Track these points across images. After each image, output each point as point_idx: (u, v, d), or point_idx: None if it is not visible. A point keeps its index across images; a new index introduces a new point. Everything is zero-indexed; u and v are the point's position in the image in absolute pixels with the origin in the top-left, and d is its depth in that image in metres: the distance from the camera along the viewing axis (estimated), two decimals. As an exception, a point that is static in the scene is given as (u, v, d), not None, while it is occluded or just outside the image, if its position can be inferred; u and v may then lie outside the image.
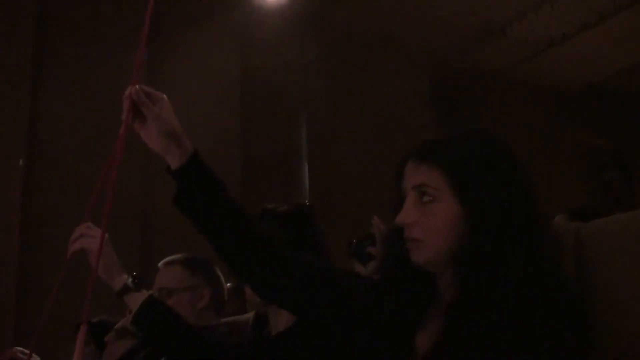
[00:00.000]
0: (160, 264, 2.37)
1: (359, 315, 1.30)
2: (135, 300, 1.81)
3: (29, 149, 5.60)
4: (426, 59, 7.38)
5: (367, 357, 1.24)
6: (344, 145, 6.68)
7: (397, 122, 6.68)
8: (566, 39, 6.98)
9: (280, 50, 6.67)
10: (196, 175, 1.32)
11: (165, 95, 1.35)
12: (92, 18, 5.89)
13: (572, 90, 7.95)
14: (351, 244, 3.10)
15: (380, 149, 6.48)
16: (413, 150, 1.25)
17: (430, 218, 1.19)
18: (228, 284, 3.27)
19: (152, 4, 1.35)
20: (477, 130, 1.26)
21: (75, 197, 5.48)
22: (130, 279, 1.84)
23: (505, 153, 1.22)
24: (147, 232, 5.60)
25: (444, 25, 6.89)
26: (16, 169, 5.44)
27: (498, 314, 1.10)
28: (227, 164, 6.25)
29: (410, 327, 1.23)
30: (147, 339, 1.77)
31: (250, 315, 2.37)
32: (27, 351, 2.42)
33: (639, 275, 1.19)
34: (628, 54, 7.24)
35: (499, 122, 6.51)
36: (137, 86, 1.31)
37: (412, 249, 1.21)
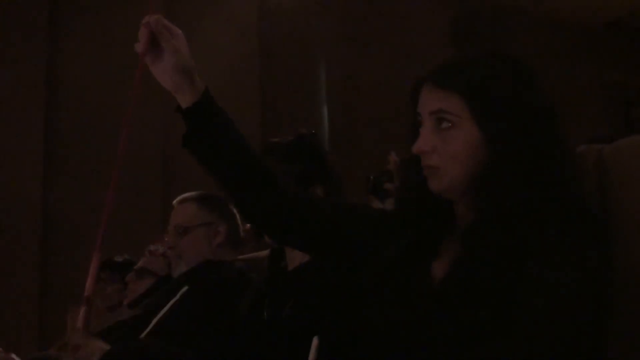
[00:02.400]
0: (175, 202, 2.37)
1: (371, 247, 1.29)
2: None
3: (49, 96, 5.63)
4: (447, -3, 7.22)
5: (383, 286, 1.22)
6: (363, 87, 6.60)
7: (417, 63, 6.55)
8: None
9: (299, -9, 6.57)
10: (207, 113, 1.29)
11: (181, 31, 1.29)
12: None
13: (596, 26, 7.75)
14: (369, 180, 3.08)
15: (401, 90, 6.39)
16: (428, 75, 1.20)
17: (448, 144, 1.15)
18: (248, 225, 3.29)
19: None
20: (495, 52, 1.21)
21: (96, 141, 5.56)
22: None
23: (526, 74, 1.18)
24: (168, 175, 5.63)
25: (465, -38, 6.72)
26: (37, 118, 5.48)
27: (516, 236, 1.08)
28: (246, 108, 6.23)
29: (426, 255, 1.21)
30: None
31: (267, 252, 2.37)
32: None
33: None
34: (655, -11, 7.02)
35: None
36: (157, 16, 1.26)
37: (430, 177, 1.18)
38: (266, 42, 6.42)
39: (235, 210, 2.34)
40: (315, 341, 1.18)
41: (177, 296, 1.87)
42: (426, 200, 1.22)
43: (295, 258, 1.77)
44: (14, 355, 2.49)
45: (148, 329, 1.77)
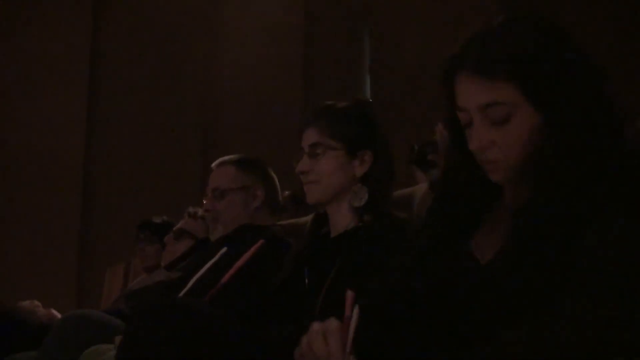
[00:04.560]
0: (213, 165, 2.35)
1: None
2: None
3: (92, 66, 5.70)
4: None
5: (427, 260, 1.18)
6: (407, 54, 6.50)
7: (463, 28, 6.43)
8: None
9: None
10: None
11: None
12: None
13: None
14: (412, 150, 3.02)
15: (445, 57, 6.28)
16: (464, 62, 1.10)
17: (508, 136, 1.08)
18: (286, 192, 3.26)
19: None
20: (530, 20, 1.11)
21: (137, 108, 5.63)
22: None
23: (570, 40, 1.09)
24: (208, 139, 5.67)
25: None
26: (81, 85, 5.56)
27: (575, 211, 1.01)
28: (288, 74, 6.23)
29: (468, 233, 1.16)
30: None
31: (309, 217, 2.34)
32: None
33: None
34: None
35: (572, 24, 6.19)
36: None
37: (491, 170, 1.12)
38: (311, 9, 6.36)
39: (273, 175, 2.30)
40: (356, 309, 1.13)
41: (217, 257, 1.85)
42: (475, 183, 1.17)
43: (338, 224, 1.74)
44: (53, 310, 2.53)
45: (186, 289, 1.75)
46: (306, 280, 1.71)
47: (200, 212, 2.76)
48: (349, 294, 1.12)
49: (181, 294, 1.73)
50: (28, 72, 5.45)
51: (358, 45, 6.66)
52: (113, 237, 4.85)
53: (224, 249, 1.87)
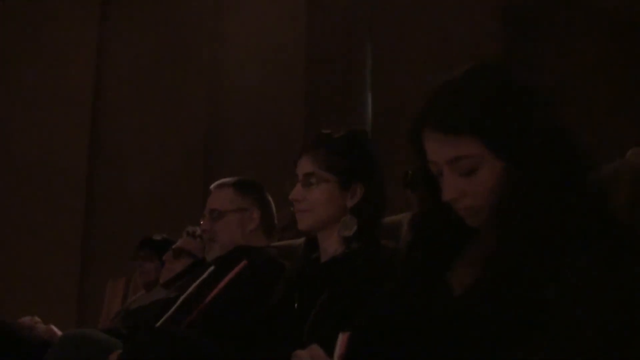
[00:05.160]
0: (212, 186, 2.41)
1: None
2: None
3: (97, 71, 5.75)
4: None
5: (404, 290, 1.25)
6: (409, 74, 6.56)
7: (465, 49, 6.50)
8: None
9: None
10: None
11: None
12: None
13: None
14: (406, 175, 3.07)
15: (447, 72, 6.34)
16: (428, 119, 1.17)
17: (477, 186, 1.15)
18: (291, 208, 3.31)
19: None
20: (489, 73, 1.18)
21: (143, 114, 5.68)
22: None
23: (531, 92, 1.16)
24: (210, 162, 5.71)
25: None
26: (85, 93, 5.60)
27: (539, 260, 1.08)
28: (291, 93, 6.28)
29: (446, 263, 1.23)
30: None
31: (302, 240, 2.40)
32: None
33: None
34: None
35: (573, 52, 6.24)
36: None
37: (468, 216, 1.19)
38: (313, 23, 6.43)
39: (269, 198, 2.37)
40: (340, 336, 1.20)
41: (205, 275, 1.91)
42: (451, 224, 1.24)
43: (328, 250, 1.81)
44: (53, 327, 2.57)
45: (174, 307, 1.82)
46: (296, 304, 1.78)
47: (198, 231, 2.82)
48: (342, 336, 1.19)
49: (169, 312, 1.79)
50: (32, 83, 5.48)
51: (360, 62, 6.73)
52: (115, 251, 4.90)
53: (212, 268, 1.94)
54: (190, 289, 1.85)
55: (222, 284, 1.83)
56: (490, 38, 6.77)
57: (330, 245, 1.80)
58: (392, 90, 6.53)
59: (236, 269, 1.86)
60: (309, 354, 1.19)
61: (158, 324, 1.89)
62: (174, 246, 2.90)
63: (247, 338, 1.72)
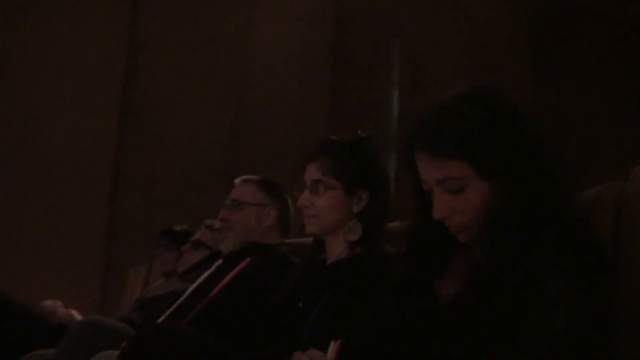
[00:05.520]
0: (236, 180, 2.52)
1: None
2: None
3: (128, 57, 5.82)
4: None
5: (396, 297, 1.33)
6: (435, 73, 6.57)
7: (488, 51, 6.51)
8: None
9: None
10: None
11: None
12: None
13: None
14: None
15: (474, 77, 6.36)
16: (419, 142, 1.26)
17: (465, 204, 1.23)
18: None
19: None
20: (476, 99, 1.25)
21: (171, 102, 5.77)
22: None
23: (516, 117, 1.23)
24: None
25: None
26: (116, 78, 5.68)
27: (520, 275, 1.14)
28: (315, 90, 6.34)
29: (434, 274, 1.30)
30: None
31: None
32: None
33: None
34: None
35: (601, 63, 6.22)
36: None
37: (458, 232, 1.27)
38: (341, 20, 6.46)
39: (289, 200, 2.45)
40: (332, 344, 1.27)
41: (212, 269, 2.00)
42: (442, 236, 1.31)
43: (334, 253, 1.88)
44: (73, 311, 2.69)
45: (180, 300, 1.91)
46: (300, 304, 1.85)
47: (216, 224, 2.91)
48: (333, 344, 1.27)
49: (173, 306, 1.88)
50: (63, 66, 5.50)
51: (387, 57, 6.76)
52: (138, 238, 4.98)
53: (219, 262, 2.03)
54: (196, 284, 1.94)
55: (224, 281, 1.91)
56: (518, 39, 6.77)
57: (336, 249, 1.87)
58: (418, 88, 6.56)
59: (240, 266, 1.94)
60: (307, 356, 1.27)
61: (162, 318, 1.98)
62: (192, 238, 3.00)
63: (247, 335, 1.80)
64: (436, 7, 6.65)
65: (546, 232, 1.15)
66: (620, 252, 1.23)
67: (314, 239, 1.97)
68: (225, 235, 2.39)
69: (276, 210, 2.41)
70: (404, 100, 6.60)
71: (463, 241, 1.28)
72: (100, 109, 5.56)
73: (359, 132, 1.90)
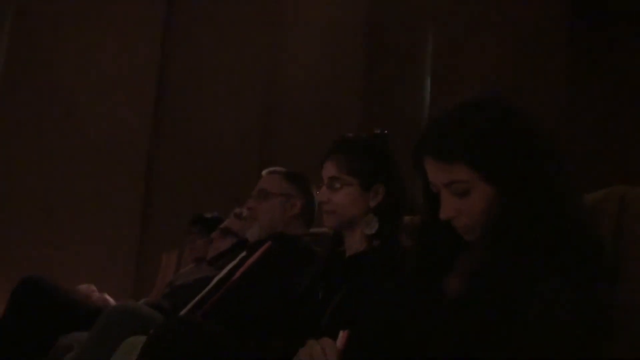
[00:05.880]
0: (264, 171, 2.60)
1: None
2: None
3: (162, 50, 5.92)
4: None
5: (404, 293, 1.39)
6: (468, 60, 6.55)
7: (526, 37, 6.45)
8: None
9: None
10: None
11: None
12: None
13: None
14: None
15: (508, 67, 6.33)
16: (426, 147, 1.32)
17: (471, 206, 1.29)
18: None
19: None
20: (481, 106, 1.31)
21: (205, 94, 5.85)
22: None
23: (519, 124, 1.29)
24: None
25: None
26: (150, 70, 5.78)
27: (521, 275, 1.20)
28: (349, 78, 6.37)
29: (441, 272, 1.36)
30: None
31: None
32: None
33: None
34: None
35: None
36: None
37: (465, 233, 1.34)
38: (374, 8, 6.47)
39: (313, 192, 2.52)
40: (341, 333, 1.34)
41: (236, 261, 2.08)
42: (449, 236, 1.38)
43: (352, 246, 1.94)
44: (107, 295, 2.81)
45: (207, 289, 2.00)
46: (320, 295, 1.93)
47: (244, 212, 3.00)
48: (342, 334, 1.34)
49: (197, 297, 1.97)
50: (98, 60, 5.62)
51: (421, 45, 6.76)
52: (172, 224, 5.07)
53: (243, 253, 2.11)
54: (221, 275, 2.02)
55: (243, 268, 1.99)
56: (555, 28, 6.69)
57: (354, 242, 1.93)
58: (451, 75, 6.55)
59: (260, 250, 2.02)
60: (319, 344, 1.34)
61: (186, 308, 2.07)
62: (221, 226, 3.09)
63: (266, 324, 1.88)
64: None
65: (546, 235, 1.20)
66: (620, 255, 1.27)
67: (334, 233, 2.04)
68: (251, 224, 2.48)
69: (301, 201, 2.48)
70: (437, 88, 6.60)
71: (468, 240, 1.34)
72: (135, 104, 5.68)
73: (375, 129, 1.96)
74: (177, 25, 5.99)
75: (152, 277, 4.50)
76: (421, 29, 6.71)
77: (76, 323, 2.50)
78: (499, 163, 1.26)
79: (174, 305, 2.36)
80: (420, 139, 1.34)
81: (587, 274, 1.18)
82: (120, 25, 5.73)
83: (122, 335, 1.95)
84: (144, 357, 1.44)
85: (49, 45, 5.54)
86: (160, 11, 5.92)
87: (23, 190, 5.32)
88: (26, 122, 5.41)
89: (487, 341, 1.20)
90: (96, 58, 5.62)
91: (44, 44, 5.52)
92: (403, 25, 6.60)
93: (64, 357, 2.34)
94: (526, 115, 1.31)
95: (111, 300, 2.76)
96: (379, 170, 1.89)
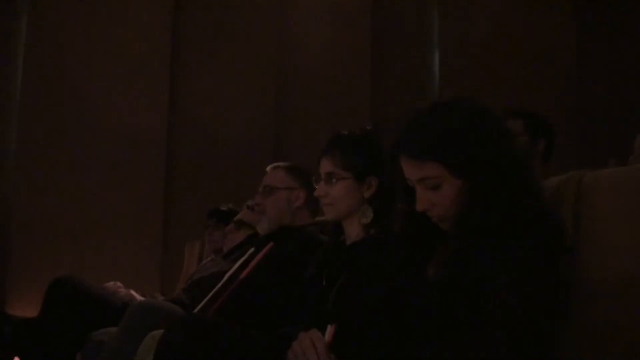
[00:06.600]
0: (268, 167, 2.75)
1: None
2: None
3: (174, 41, 6.02)
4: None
5: (392, 276, 1.55)
6: (476, 30, 6.59)
7: (531, 14, 6.48)
8: None
9: None
10: None
11: None
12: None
13: None
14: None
15: (516, 33, 6.38)
16: (400, 146, 1.48)
17: (443, 198, 1.44)
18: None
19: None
20: (450, 107, 1.46)
21: (219, 83, 5.96)
22: None
23: (483, 123, 1.44)
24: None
25: None
26: (163, 64, 5.90)
27: (488, 257, 1.34)
28: (356, 52, 6.45)
29: (424, 261, 1.51)
30: None
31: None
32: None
33: (633, 226, 1.35)
34: None
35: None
36: None
37: (440, 222, 1.49)
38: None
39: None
40: (329, 328, 1.49)
41: (245, 256, 2.25)
42: (429, 228, 1.53)
43: (351, 235, 2.09)
44: (132, 291, 2.98)
45: (219, 285, 2.16)
46: (323, 282, 2.08)
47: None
48: (330, 328, 1.50)
49: (210, 293, 2.13)
50: (112, 49, 5.73)
51: (427, 21, 6.82)
52: (193, 218, 5.13)
53: (252, 250, 2.27)
54: (232, 270, 2.19)
55: (248, 269, 2.16)
56: (562, 2, 6.68)
57: (353, 231, 2.08)
58: (459, 51, 6.61)
59: (262, 252, 2.18)
60: (308, 336, 1.50)
61: (200, 305, 2.24)
62: (235, 218, 3.25)
63: (274, 314, 2.04)
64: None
65: (509, 221, 1.35)
66: (580, 234, 1.40)
67: (334, 224, 2.19)
68: (260, 219, 2.64)
69: (305, 192, 2.63)
70: (445, 64, 6.67)
71: (444, 229, 1.49)
72: (151, 98, 5.80)
73: (367, 127, 2.11)
74: (187, 13, 6.08)
75: (177, 268, 4.67)
76: (427, 5, 6.77)
77: (105, 319, 2.67)
78: (465, 159, 1.41)
79: (192, 299, 2.52)
80: (395, 139, 1.50)
81: (547, 254, 1.32)
82: (131, 13, 5.82)
83: (145, 330, 2.11)
84: (158, 356, 1.60)
85: (62, 43, 5.65)
86: (170, 2, 6.01)
87: (48, 195, 5.45)
88: (44, 122, 5.53)
89: (457, 324, 1.35)
90: (108, 48, 5.72)
91: (57, 42, 5.63)
92: (409, 2, 6.67)
93: (97, 351, 2.52)
94: (490, 114, 1.45)
95: (137, 296, 2.93)
96: (371, 164, 2.03)
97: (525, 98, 5.56)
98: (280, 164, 2.75)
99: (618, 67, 6.33)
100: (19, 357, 2.92)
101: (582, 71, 6.46)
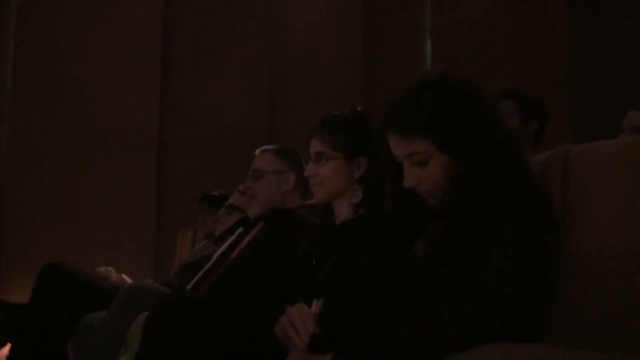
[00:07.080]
0: (256, 151, 2.75)
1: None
2: None
3: (165, 33, 6.01)
4: None
5: (382, 254, 1.55)
6: (468, 21, 6.59)
7: (525, 4, 6.48)
8: None
9: None
10: None
11: None
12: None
13: None
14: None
15: (508, 25, 6.38)
16: (388, 124, 1.49)
17: (430, 174, 1.45)
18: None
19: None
20: (438, 84, 1.46)
21: (211, 72, 5.94)
22: None
23: (468, 98, 1.43)
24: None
25: None
26: (154, 54, 5.89)
27: (475, 230, 1.35)
28: (349, 39, 6.45)
29: (412, 238, 1.51)
30: None
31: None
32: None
33: (620, 200, 1.35)
34: None
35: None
36: None
37: (428, 197, 1.49)
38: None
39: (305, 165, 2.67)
40: (315, 302, 1.50)
41: (234, 236, 2.25)
42: (417, 202, 1.53)
43: (341, 215, 2.10)
44: (124, 276, 2.99)
45: (209, 264, 2.16)
46: (314, 262, 2.09)
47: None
48: (316, 302, 1.50)
49: (199, 274, 2.13)
50: (103, 41, 5.75)
51: (419, 8, 6.82)
52: (186, 202, 5.16)
53: (240, 229, 2.27)
54: (220, 251, 2.19)
55: (239, 248, 2.16)
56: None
57: (342, 211, 2.09)
58: (451, 36, 6.61)
59: (252, 233, 2.19)
60: (297, 310, 1.50)
61: (190, 285, 2.24)
62: (226, 203, 3.25)
63: (265, 295, 2.05)
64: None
65: (495, 196, 1.35)
66: (567, 209, 1.40)
67: (324, 205, 2.20)
68: (251, 203, 2.64)
69: (294, 175, 2.64)
70: (437, 51, 6.67)
71: (432, 204, 1.49)
72: (143, 86, 5.81)
73: (357, 108, 2.11)
74: (177, 5, 6.09)
75: (171, 251, 4.68)
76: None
77: (97, 303, 2.68)
78: (451, 134, 1.41)
79: (181, 283, 2.52)
80: (383, 117, 1.49)
81: (534, 228, 1.33)
82: (120, 8, 5.83)
83: (136, 311, 2.12)
84: (147, 331, 1.60)
85: (53, 36, 5.66)
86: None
87: (40, 183, 5.48)
88: (36, 112, 5.56)
89: (442, 297, 1.36)
90: (99, 43, 5.74)
91: (48, 35, 5.65)
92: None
93: (88, 334, 2.52)
94: (475, 89, 1.45)
95: (129, 280, 2.93)
96: (361, 144, 2.04)
97: (518, 84, 5.56)
98: (269, 147, 2.74)
99: (611, 47, 6.33)
100: (10, 342, 2.92)
101: (575, 52, 6.46)
